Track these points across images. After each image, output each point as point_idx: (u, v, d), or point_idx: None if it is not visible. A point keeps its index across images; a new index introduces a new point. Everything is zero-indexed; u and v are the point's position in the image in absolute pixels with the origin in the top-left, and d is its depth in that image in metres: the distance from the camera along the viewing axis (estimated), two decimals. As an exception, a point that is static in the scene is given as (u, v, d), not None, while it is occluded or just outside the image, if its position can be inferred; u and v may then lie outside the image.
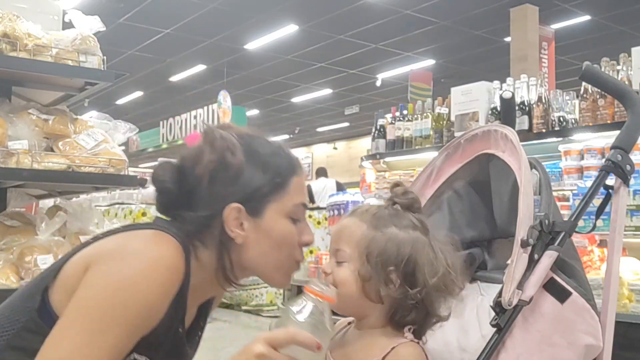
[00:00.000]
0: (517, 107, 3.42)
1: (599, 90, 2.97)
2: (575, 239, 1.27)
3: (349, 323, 1.22)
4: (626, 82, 2.92)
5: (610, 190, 1.23)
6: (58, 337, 0.95)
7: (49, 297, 1.03)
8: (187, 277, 1.05)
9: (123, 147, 2.44)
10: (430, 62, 11.21)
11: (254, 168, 1.12)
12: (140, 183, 2.42)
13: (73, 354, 0.93)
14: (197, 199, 1.11)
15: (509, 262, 1.08)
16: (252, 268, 1.15)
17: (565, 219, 1.15)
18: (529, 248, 1.08)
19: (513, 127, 3.24)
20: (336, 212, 3.89)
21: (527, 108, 3.40)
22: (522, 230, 1.08)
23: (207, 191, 1.10)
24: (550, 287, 1.08)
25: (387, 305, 1.10)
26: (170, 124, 14.16)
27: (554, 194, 1.36)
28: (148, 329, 1.00)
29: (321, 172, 10.27)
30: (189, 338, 1.18)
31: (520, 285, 1.06)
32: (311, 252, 5.08)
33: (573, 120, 3.28)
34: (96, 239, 1.09)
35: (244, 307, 7.22)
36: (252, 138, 1.17)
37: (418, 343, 1.10)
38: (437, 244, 1.11)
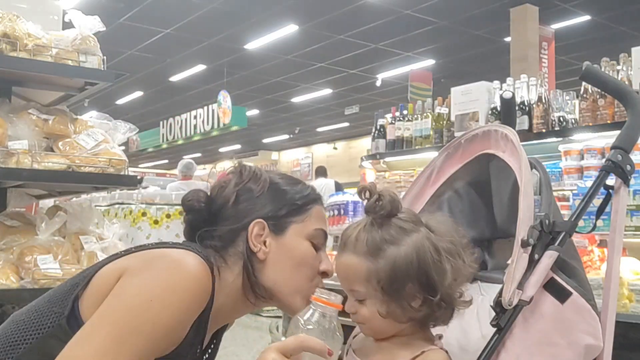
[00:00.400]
0: (517, 107, 3.42)
1: (599, 90, 2.97)
2: (575, 239, 1.27)
3: None
4: (626, 82, 2.92)
5: (610, 190, 1.23)
6: (82, 340, 0.96)
7: (79, 306, 1.04)
8: (212, 299, 1.08)
9: (123, 147, 2.44)
10: (430, 62, 11.21)
11: (278, 190, 1.19)
12: (140, 182, 2.42)
13: (94, 359, 0.93)
14: (223, 216, 1.17)
15: (509, 262, 1.08)
16: (272, 288, 1.16)
17: (566, 219, 1.15)
18: (529, 248, 1.07)
19: (513, 127, 3.24)
20: (336, 212, 3.89)
21: (527, 108, 3.40)
22: (522, 230, 1.08)
23: (233, 209, 1.17)
24: (551, 287, 1.08)
25: (416, 319, 1.11)
26: (170, 124, 14.17)
27: (554, 194, 1.36)
28: (169, 347, 1.02)
29: (320, 172, 10.25)
30: None
31: (520, 285, 1.05)
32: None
33: (573, 120, 3.28)
34: (128, 252, 1.11)
35: (244, 307, 7.22)
36: (276, 172, 1.26)
37: (447, 352, 1.11)
38: (432, 235, 1.10)
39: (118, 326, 0.96)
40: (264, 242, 1.16)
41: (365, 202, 1.12)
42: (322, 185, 9.01)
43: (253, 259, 1.15)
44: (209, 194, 1.22)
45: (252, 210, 1.17)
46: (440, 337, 1.13)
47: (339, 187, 8.84)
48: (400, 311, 1.08)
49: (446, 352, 1.11)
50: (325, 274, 1.20)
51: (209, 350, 1.26)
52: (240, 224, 1.15)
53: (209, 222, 1.18)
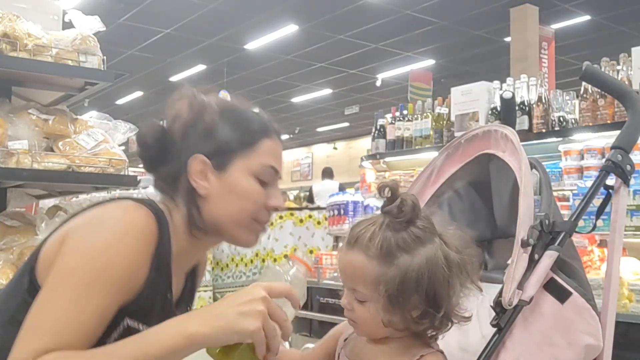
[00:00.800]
0: (517, 107, 3.42)
1: (599, 90, 2.97)
2: (575, 239, 1.27)
3: None
4: (626, 82, 2.92)
5: (610, 190, 1.23)
6: (42, 306, 0.98)
7: (35, 277, 1.06)
8: (163, 240, 1.09)
9: (123, 147, 2.44)
10: (430, 62, 11.21)
11: (224, 125, 1.16)
12: (139, 183, 2.42)
13: (59, 320, 0.95)
14: (171, 154, 1.16)
15: (509, 262, 1.08)
16: (215, 223, 1.16)
17: (566, 219, 1.15)
18: (529, 248, 1.07)
19: (513, 127, 3.24)
20: (336, 212, 3.90)
21: (527, 108, 3.40)
22: (522, 230, 1.08)
23: (181, 144, 1.16)
24: (551, 287, 1.08)
25: (414, 331, 1.10)
26: (170, 124, 14.15)
27: (554, 194, 1.36)
28: (131, 292, 1.04)
29: (327, 173, 10.23)
30: (180, 306, 1.22)
31: (520, 285, 1.05)
32: (311, 252, 5.08)
33: (573, 120, 3.28)
34: (70, 217, 1.13)
35: (244, 307, 7.22)
36: (230, 102, 1.23)
37: (442, 353, 1.10)
38: (445, 249, 1.06)
39: (72, 284, 0.98)
40: (207, 178, 1.14)
41: (384, 200, 1.08)
42: (327, 188, 9.00)
43: (195, 195, 1.15)
44: (162, 123, 1.20)
45: (195, 146, 1.15)
46: (436, 338, 1.12)
47: (342, 190, 8.84)
48: (401, 320, 1.06)
49: (442, 352, 1.10)
50: (275, 210, 1.18)
51: (187, 297, 1.28)
52: (184, 162, 1.14)
53: (162, 159, 1.18)
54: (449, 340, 1.16)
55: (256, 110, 1.24)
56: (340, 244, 1.11)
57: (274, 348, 0.99)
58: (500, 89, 3.55)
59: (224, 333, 0.95)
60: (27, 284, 1.06)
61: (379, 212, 1.11)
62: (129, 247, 1.02)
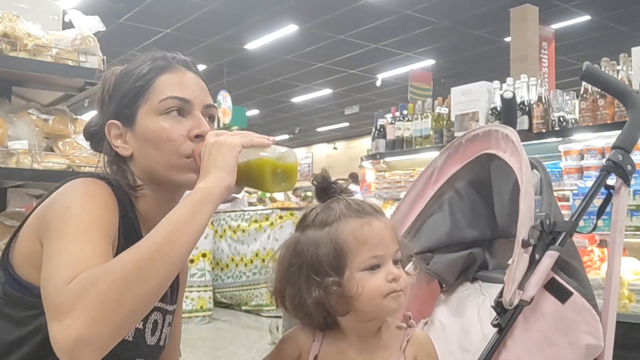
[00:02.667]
0: (517, 107, 3.42)
1: (599, 90, 2.97)
2: (576, 239, 1.27)
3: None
4: (626, 82, 2.92)
5: (611, 191, 1.23)
6: (53, 256, 0.97)
7: (14, 270, 1.06)
8: (125, 209, 1.12)
9: (123, 147, 2.44)
10: (430, 62, 11.21)
11: (121, 83, 1.18)
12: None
13: (77, 254, 0.95)
14: (100, 132, 1.20)
15: (510, 262, 1.08)
16: (150, 176, 1.16)
17: (566, 219, 1.15)
18: (530, 248, 1.08)
19: (514, 127, 3.24)
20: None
21: (527, 108, 3.40)
22: (523, 230, 1.08)
23: (101, 122, 1.20)
24: (551, 287, 1.08)
25: None
26: (170, 124, 14.15)
27: (554, 194, 1.36)
28: (113, 248, 1.05)
29: (351, 179, 10.26)
30: None
31: (521, 286, 1.06)
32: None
33: (573, 120, 3.29)
34: (28, 215, 1.15)
35: (244, 307, 7.22)
36: (132, 62, 1.24)
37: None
38: None
39: (74, 229, 0.98)
40: (124, 139, 1.16)
41: (326, 185, 1.14)
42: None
43: (122, 158, 1.17)
44: None
45: (105, 115, 1.18)
46: (409, 317, 1.10)
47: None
48: None
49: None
50: (200, 137, 1.16)
51: None
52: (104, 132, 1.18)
53: (98, 141, 1.22)
54: (450, 340, 1.16)
55: (155, 54, 1.24)
56: (356, 221, 1.07)
57: (259, 136, 1.11)
58: (500, 89, 3.55)
59: (225, 177, 1.02)
60: (4, 278, 1.07)
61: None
62: (102, 205, 1.04)
